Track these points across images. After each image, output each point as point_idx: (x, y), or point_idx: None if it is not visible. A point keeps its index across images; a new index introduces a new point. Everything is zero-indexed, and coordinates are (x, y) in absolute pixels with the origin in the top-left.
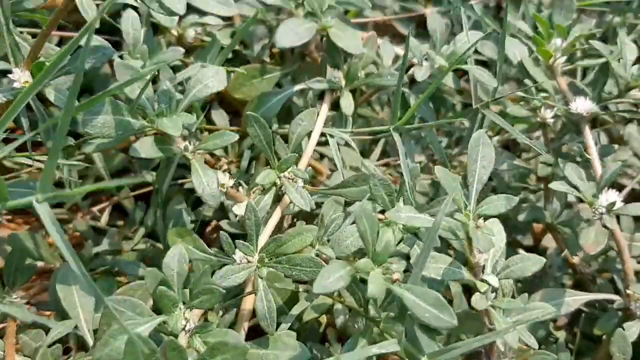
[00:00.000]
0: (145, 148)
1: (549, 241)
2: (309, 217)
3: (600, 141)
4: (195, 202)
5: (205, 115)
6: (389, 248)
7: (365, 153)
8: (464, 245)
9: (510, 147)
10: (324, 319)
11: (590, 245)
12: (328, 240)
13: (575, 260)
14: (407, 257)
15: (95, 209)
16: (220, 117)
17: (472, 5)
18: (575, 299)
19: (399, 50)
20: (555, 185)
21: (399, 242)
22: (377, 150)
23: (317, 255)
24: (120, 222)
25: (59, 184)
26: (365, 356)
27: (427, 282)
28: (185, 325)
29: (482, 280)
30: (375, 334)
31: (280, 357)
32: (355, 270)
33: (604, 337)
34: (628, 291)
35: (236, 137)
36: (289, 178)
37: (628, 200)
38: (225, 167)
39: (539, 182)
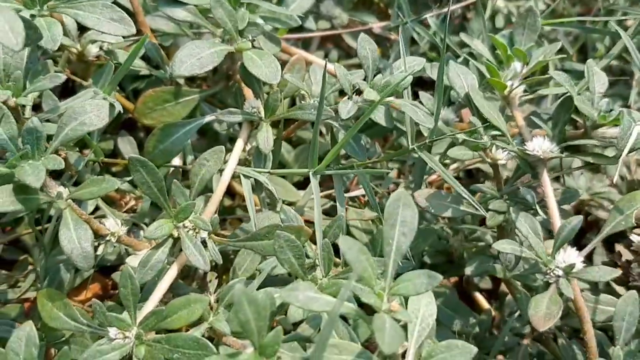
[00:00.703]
0: (3, 199)
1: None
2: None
3: (564, 180)
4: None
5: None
6: (279, 337)
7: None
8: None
9: (473, 173)
10: None
11: (539, 319)
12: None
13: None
14: (308, 341)
15: None
16: (127, 145)
17: (426, 20)
18: None
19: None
20: (500, 245)
21: (299, 323)
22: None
23: (209, 329)
24: (19, 258)
25: None
26: None
27: None
28: None
29: None
30: None
31: None
32: None
33: None
34: None
35: (116, 184)
36: (189, 229)
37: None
38: (133, 202)
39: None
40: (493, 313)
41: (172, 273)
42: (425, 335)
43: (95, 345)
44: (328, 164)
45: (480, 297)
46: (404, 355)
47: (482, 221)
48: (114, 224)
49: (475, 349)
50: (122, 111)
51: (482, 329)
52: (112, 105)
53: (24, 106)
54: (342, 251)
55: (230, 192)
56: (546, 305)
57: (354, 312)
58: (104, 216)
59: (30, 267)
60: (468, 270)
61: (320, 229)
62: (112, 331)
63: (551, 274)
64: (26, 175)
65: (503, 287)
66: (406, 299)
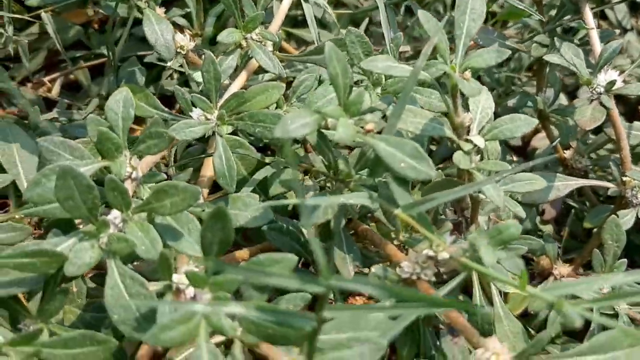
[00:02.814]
0: None
1: (538, 141)
2: None
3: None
4: (155, 77)
5: None
6: (362, 97)
7: None
8: (447, 104)
9: None
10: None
11: (586, 121)
12: (298, 101)
13: (567, 155)
14: (382, 116)
15: (46, 78)
16: None
17: None
18: (565, 184)
19: None
20: (551, 57)
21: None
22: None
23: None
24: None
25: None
26: (330, 203)
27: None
28: (132, 174)
29: (467, 141)
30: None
31: (240, 217)
32: (323, 119)
33: (594, 231)
34: (624, 178)
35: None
36: (256, 40)
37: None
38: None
39: (531, 74)
40: None
41: (242, 77)
42: (485, 122)
43: (183, 121)
44: None
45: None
46: (469, 130)
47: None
48: (183, 38)
49: (535, 120)
50: None
51: None
52: None
53: None
54: (421, 22)
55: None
56: (590, 112)
57: (430, 79)
58: None
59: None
60: (510, 103)
61: (387, 27)
62: (196, 113)
63: (593, 91)
64: None
65: (532, 143)
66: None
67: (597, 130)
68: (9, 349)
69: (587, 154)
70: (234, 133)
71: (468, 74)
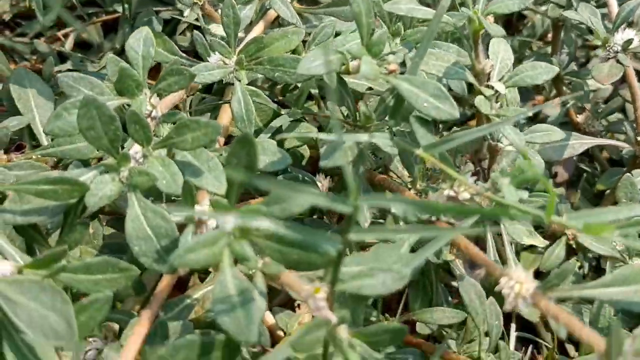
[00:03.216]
0: None
1: (550, 110)
2: None
3: None
4: (170, 33)
5: None
6: (384, 38)
7: None
8: (468, 50)
9: None
10: (307, 151)
11: (604, 77)
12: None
13: (580, 119)
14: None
15: (60, 33)
16: None
17: None
18: (581, 142)
19: None
20: (569, 13)
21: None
22: None
23: None
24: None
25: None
26: (348, 141)
27: None
28: (152, 112)
29: (488, 87)
30: None
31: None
32: (345, 58)
33: (606, 192)
34: (639, 138)
35: None
36: None
37: None
38: None
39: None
40: None
41: (260, 26)
42: (504, 72)
43: (202, 64)
44: None
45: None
46: (489, 77)
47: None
48: None
49: (556, 68)
50: None
51: None
52: None
53: None
54: None
55: None
56: (608, 69)
57: (453, 24)
58: None
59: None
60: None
61: None
62: (214, 58)
63: (610, 50)
64: None
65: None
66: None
67: (607, 101)
68: (29, 272)
69: (600, 119)
70: (250, 84)
71: (491, 18)
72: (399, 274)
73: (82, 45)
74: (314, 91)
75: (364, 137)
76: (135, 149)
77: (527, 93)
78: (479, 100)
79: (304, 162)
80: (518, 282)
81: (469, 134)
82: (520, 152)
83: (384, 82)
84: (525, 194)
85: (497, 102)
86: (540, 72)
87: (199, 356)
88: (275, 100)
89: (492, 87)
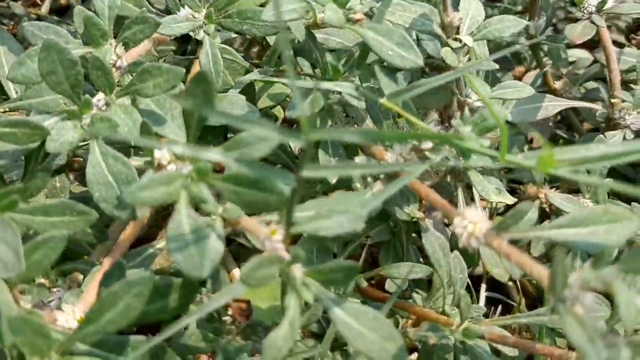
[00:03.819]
0: None
1: (529, 79)
2: None
3: None
4: None
5: None
6: None
7: None
8: (437, 2)
9: None
10: (280, 113)
11: (577, 36)
12: None
13: (558, 85)
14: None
15: None
16: None
17: None
18: (554, 104)
19: None
20: None
21: None
22: None
23: None
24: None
25: None
26: (314, 104)
27: None
28: (116, 62)
29: (455, 39)
30: None
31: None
32: (311, 8)
33: None
34: (613, 100)
35: None
36: None
37: None
38: None
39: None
40: None
41: None
42: (474, 28)
43: (170, 16)
44: None
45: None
46: (458, 31)
47: None
48: None
49: (524, 21)
50: None
51: None
52: None
53: None
54: None
55: None
56: (581, 28)
57: None
58: None
59: None
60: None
61: None
62: (183, 12)
63: (584, 10)
64: None
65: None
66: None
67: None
68: None
69: (579, 85)
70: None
71: None
72: (356, 215)
73: (60, 11)
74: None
75: (327, 85)
76: (98, 97)
77: (508, 63)
78: (445, 52)
79: (277, 123)
80: (472, 222)
81: (432, 81)
82: (481, 98)
83: (354, 38)
84: (487, 142)
85: (466, 56)
86: (508, 25)
87: (156, 297)
88: (251, 61)
89: (460, 40)
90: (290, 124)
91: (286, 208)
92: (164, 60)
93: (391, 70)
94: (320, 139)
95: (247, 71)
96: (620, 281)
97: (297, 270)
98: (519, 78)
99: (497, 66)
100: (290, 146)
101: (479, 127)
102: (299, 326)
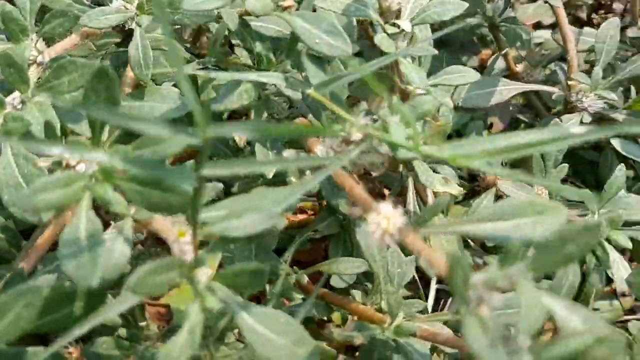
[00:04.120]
0: None
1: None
2: None
3: None
4: None
5: None
6: None
7: None
8: None
9: None
10: None
11: (528, 17)
12: None
13: (519, 68)
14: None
15: None
16: None
17: None
18: (509, 89)
19: None
20: None
21: None
22: None
23: None
24: None
25: None
26: (242, 96)
27: None
28: (37, 58)
29: (393, 25)
30: None
31: (156, 109)
32: None
33: None
34: (570, 82)
35: None
36: None
37: None
38: None
39: None
40: None
41: None
42: (416, 12)
43: (98, 8)
44: None
45: None
46: (398, 14)
47: None
48: None
49: (465, 4)
50: None
51: None
52: None
53: None
54: None
55: None
56: (533, 9)
57: None
58: None
59: None
60: None
61: None
62: (115, 3)
63: None
64: None
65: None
66: None
67: None
68: None
69: (541, 67)
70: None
71: None
72: (271, 213)
73: None
74: (236, 41)
75: (251, 76)
76: (13, 96)
77: (474, 46)
78: (380, 38)
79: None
80: (386, 217)
81: (361, 69)
82: (417, 86)
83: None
84: (412, 131)
85: (408, 41)
86: (448, 8)
87: (65, 303)
88: (197, 53)
89: (398, 25)
90: (234, 117)
91: (191, 208)
92: (105, 53)
93: (319, 59)
94: (214, 135)
95: (188, 62)
96: (527, 280)
97: (202, 275)
98: (486, 61)
99: (435, 51)
100: (234, 139)
101: (416, 113)
102: (200, 334)
